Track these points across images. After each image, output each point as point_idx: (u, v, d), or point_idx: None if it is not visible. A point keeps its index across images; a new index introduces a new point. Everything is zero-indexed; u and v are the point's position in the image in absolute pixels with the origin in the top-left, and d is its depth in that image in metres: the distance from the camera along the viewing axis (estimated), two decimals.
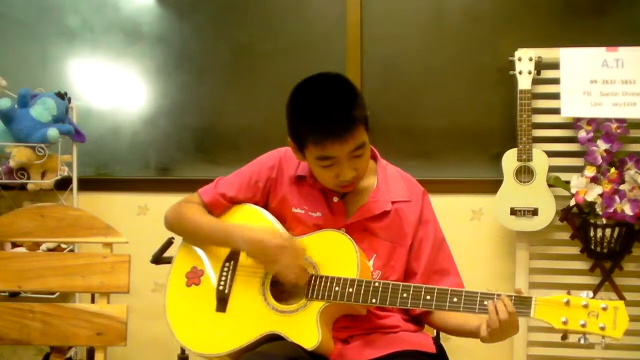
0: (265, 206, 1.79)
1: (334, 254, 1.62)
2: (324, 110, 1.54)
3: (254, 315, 1.64)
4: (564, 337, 1.43)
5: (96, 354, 1.96)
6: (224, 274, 1.71)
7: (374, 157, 1.79)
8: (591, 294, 1.42)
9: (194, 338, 1.68)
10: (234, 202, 1.80)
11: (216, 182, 1.83)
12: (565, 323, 1.40)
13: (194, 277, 1.75)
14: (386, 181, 1.73)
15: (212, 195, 1.79)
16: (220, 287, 1.70)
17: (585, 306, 1.40)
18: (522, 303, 1.44)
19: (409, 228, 1.70)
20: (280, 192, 1.76)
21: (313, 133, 1.55)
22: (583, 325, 1.39)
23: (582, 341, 1.40)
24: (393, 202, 1.70)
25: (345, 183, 1.62)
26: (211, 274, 1.73)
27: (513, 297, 1.45)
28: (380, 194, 1.70)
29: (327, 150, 1.55)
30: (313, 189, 1.73)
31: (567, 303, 1.41)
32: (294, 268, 1.59)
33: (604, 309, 1.39)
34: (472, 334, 1.55)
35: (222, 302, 1.69)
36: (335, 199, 1.71)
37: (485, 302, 1.46)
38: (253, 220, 1.76)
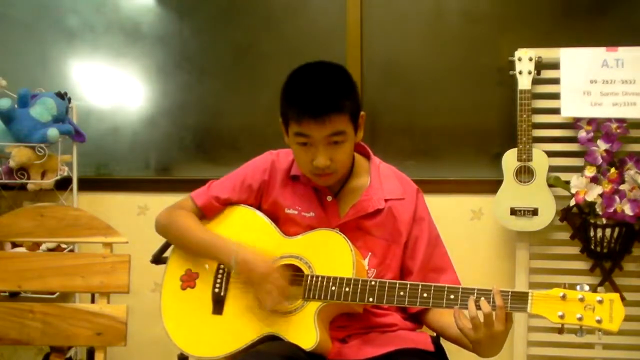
0: (258, 207, 1.79)
1: (329, 253, 1.62)
2: (310, 88, 1.57)
3: (251, 317, 1.64)
4: (561, 331, 1.43)
5: (96, 354, 1.96)
6: (219, 276, 1.71)
7: (367, 156, 1.79)
8: (587, 287, 1.42)
9: (192, 342, 1.68)
10: (227, 204, 1.80)
11: (209, 185, 1.83)
12: (562, 317, 1.40)
13: (189, 280, 1.75)
14: (379, 179, 1.73)
15: (206, 199, 1.79)
16: (216, 290, 1.70)
17: (582, 299, 1.41)
18: (519, 298, 1.44)
19: (403, 226, 1.70)
20: (273, 194, 1.77)
21: (293, 108, 1.57)
22: (580, 319, 1.39)
23: (579, 334, 1.41)
24: (386, 200, 1.70)
25: (319, 171, 1.61)
26: (206, 277, 1.73)
27: (510, 293, 1.45)
28: (373, 192, 1.71)
29: (304, 128, 1.56)
30: (306, 188, 1.73)
31: (564, 297, 1.41)
32: (272, 295, 1.58)
33: (600, 301, 1.40)
34: (462, 340, 1.55)
35: (218, 304, 1.69)
36: (329, 198, 1.71)
37: (482, 298, 1.46)
38: (247, 222, 1.76)
